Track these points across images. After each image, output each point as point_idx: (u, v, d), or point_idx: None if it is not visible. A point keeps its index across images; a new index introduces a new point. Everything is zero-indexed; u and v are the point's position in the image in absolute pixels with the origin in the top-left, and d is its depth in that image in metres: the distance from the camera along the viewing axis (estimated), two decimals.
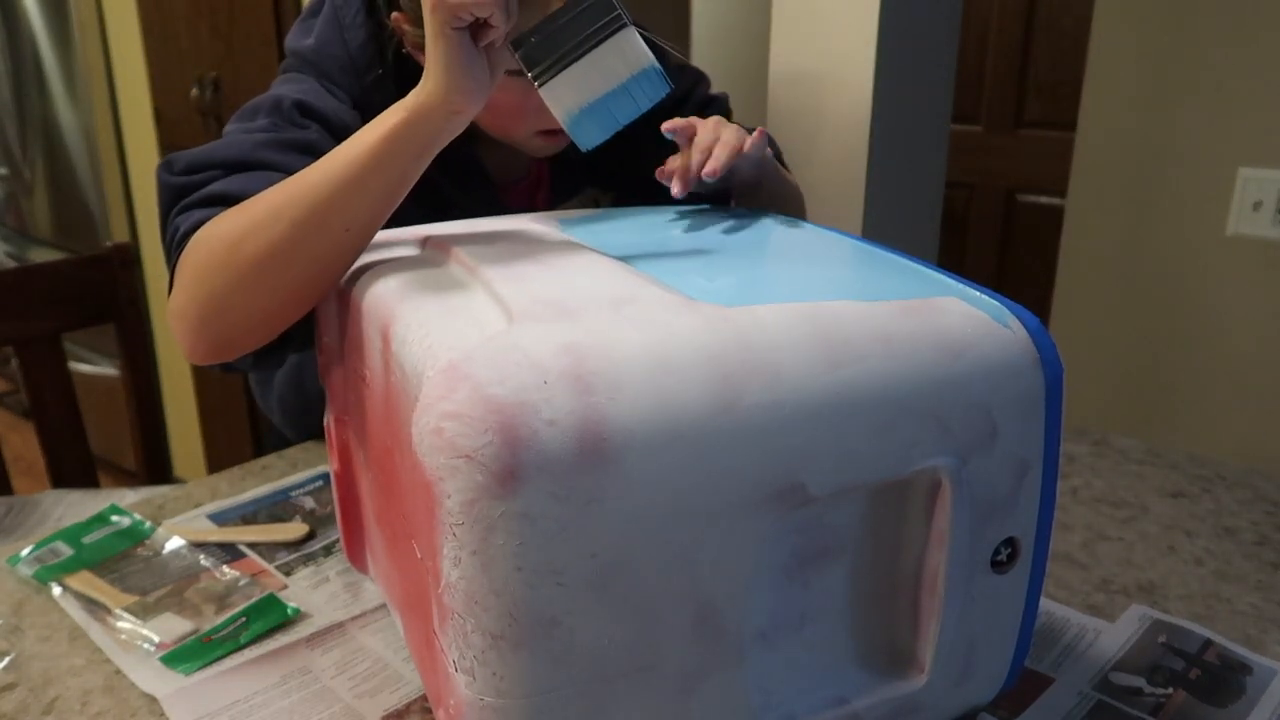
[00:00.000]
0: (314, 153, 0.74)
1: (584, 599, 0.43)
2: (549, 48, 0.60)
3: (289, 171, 0.70)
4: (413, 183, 0.64)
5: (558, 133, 0.82)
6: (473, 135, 0.92)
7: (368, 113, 0.78)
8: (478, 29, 0.61)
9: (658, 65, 0.62)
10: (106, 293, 1.25)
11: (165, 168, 0.76)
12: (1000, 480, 0.51)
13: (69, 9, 2.20)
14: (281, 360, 0.78)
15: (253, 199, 0.66)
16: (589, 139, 0.63)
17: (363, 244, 0.65)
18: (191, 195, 0.73)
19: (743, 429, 0.43)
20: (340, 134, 0.77)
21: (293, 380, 1.03)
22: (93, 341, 2.47)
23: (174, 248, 0.71)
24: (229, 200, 0.70)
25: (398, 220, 0.67)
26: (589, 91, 0.62)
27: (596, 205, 1.03)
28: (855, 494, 0.49)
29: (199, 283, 0.66)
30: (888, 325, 0.49)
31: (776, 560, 0.48)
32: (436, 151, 0.63)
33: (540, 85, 0.61)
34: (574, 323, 0.45)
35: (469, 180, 0.89)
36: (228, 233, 0.65)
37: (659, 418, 0.42)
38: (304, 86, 0.84)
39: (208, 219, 0.69)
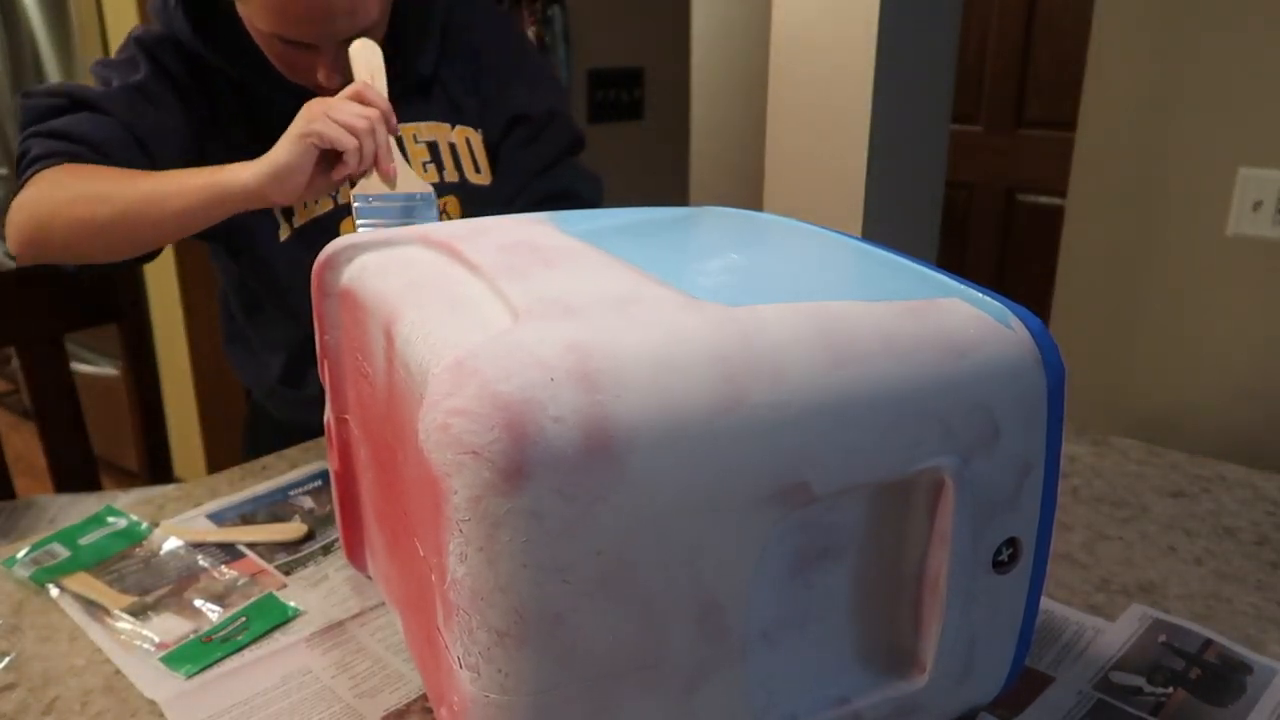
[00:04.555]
0: (145, 93, 0.93)
1: (589, 596, 0.43)
2: (377, 215, 0.84)
3: (121, 120, 0.91)
4: (211, 223, 0.85)
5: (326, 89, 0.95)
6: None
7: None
8: (336, 158, 0.82)
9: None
10: (107, 293, 1.24)
11: (24, 95, 0.93)
12: (1002, 480, 0.51)
13: (69, 9, 2.19)
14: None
15: (96, 176, 0.86)
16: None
17: (168, 240, 0.90)
18: (43, 124, 0.90)
19: (747, 428, 0.43)
20: (159, 55, 0.94)
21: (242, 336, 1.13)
22: (94, 341, 2.47)
23: (25, 165, 0.90)
24: (71, 138, 0.89)
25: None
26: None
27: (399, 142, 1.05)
28: (858, 493, 0.49)
29: (37, 206, 0.86)
30: (891, 325, 0.49)
31: (780, 559, 0.48)
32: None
33: (357, 224, 0.84)
34: (579, 321, 0.45)
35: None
36: (68, 189, 0.85)
37: (664, 416, 0.42)
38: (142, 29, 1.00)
39: (54, 150, 0.88)
